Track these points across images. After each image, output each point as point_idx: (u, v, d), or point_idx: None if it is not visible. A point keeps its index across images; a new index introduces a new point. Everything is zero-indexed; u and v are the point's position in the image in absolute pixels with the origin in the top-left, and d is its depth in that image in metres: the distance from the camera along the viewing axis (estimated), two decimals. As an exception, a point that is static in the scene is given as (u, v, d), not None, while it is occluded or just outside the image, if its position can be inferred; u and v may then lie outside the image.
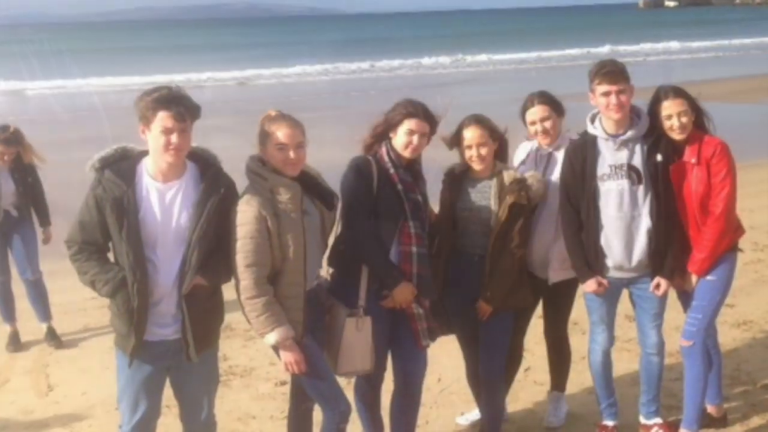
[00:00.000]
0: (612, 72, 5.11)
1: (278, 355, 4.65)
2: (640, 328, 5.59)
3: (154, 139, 4.20)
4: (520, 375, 6.26)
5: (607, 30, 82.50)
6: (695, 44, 56.33)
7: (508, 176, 5.19)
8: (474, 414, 6.05)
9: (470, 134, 5.17)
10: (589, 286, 5.39)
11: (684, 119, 5.14)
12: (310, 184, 4.73)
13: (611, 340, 5.66)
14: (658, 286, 5.32)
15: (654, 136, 5.19)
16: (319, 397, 4.77)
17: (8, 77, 38.54)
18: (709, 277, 5.31)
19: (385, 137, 5.08)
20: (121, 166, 4.28)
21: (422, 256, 5.04)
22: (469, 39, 73.50)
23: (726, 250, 5.31)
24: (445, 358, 6.47)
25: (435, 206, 5.42)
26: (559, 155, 5.50)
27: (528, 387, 6.64)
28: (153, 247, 4.29)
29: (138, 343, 4.34)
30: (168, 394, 4.73)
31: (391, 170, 5.00)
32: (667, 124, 5.16)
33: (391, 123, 5.04)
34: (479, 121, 5.22)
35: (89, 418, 6.52)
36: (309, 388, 4.78)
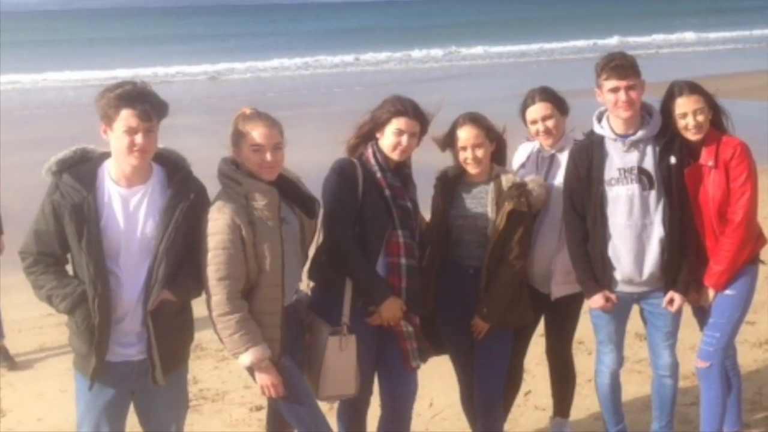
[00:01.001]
0: (621, 66, 5.12)
1: (253, 378, 4.65)
2: (651, 347, 5.60)
3: (117, 139, 4.19)
4: (519, 399, 6.26)
5: (616, 19, 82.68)
6: (712, 35, 56.52)
7: (506, 180, 5.20)
8: (469, 442, 6.06)
9: (465, 134, 5.18)
10: (596, 301, 5.39)
11: (700, 118, 5.15)
12: (288, 190, 4.73)
13: (620, 360, 5.67)
14: (671, 301, 5.32)
15: (667, 137, 5.20)
16: (298, 423, 4.76)
17: (-45, 72, 38.39)
18: (727, 292, 5.32)
19: (371, 138, 5.09)
20: (81, 169, 4.28)
21: (412, 268, 5.05)
22: (463, 29, 73.64)
23: (746, 262, 5.32)
24: (437, 381, 6.47)
25: (426, 213, 5.43)
26: (563, 157, 5.51)
27: (528, 412, 6.64)
28: (116, 258, 4.28)
29: (99, 364, 4.32)
30: (132, 420, 4.72)
31: (378, 174, 5.01)
32: (681, 123, 5.18)
33: (377, 122, 5.05)
34: (475, 120, 5.23)
35: (45, 446, 6.50)
36: (287, 414, 4.77)
